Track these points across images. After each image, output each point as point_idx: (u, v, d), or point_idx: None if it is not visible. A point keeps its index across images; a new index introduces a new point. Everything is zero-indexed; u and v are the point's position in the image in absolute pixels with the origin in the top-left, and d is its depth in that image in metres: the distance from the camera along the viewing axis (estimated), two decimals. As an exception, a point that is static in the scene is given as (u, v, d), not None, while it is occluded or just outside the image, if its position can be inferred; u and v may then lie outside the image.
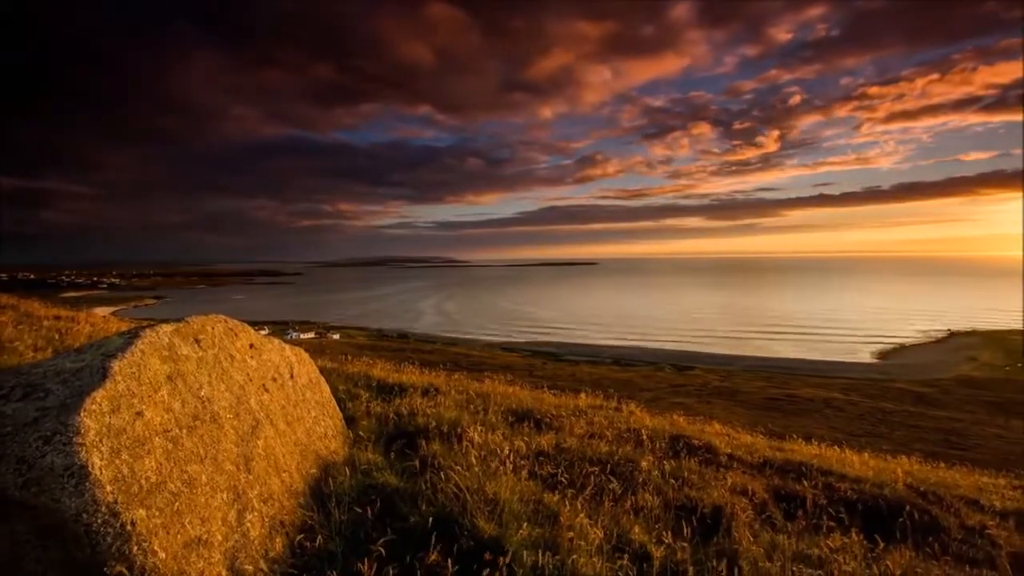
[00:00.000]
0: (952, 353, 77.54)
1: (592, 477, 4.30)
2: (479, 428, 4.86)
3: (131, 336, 2.90)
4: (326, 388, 5.02)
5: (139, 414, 2.47)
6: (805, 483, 5.36)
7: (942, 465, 9.04)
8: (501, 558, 2.72)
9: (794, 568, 3.25)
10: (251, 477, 2.97)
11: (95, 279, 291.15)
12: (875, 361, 78.51)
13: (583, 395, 9.01)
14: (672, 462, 5.29)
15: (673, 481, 4.76)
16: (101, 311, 17.26)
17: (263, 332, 4.84)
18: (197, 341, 3.27)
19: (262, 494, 2.97)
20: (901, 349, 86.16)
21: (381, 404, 6.04)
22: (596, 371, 63.66)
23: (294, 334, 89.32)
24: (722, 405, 45.22)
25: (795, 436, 9.22)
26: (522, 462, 4.30)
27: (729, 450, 6.27)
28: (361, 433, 4.83)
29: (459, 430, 4.83)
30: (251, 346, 3.95)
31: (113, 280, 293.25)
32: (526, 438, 5.13)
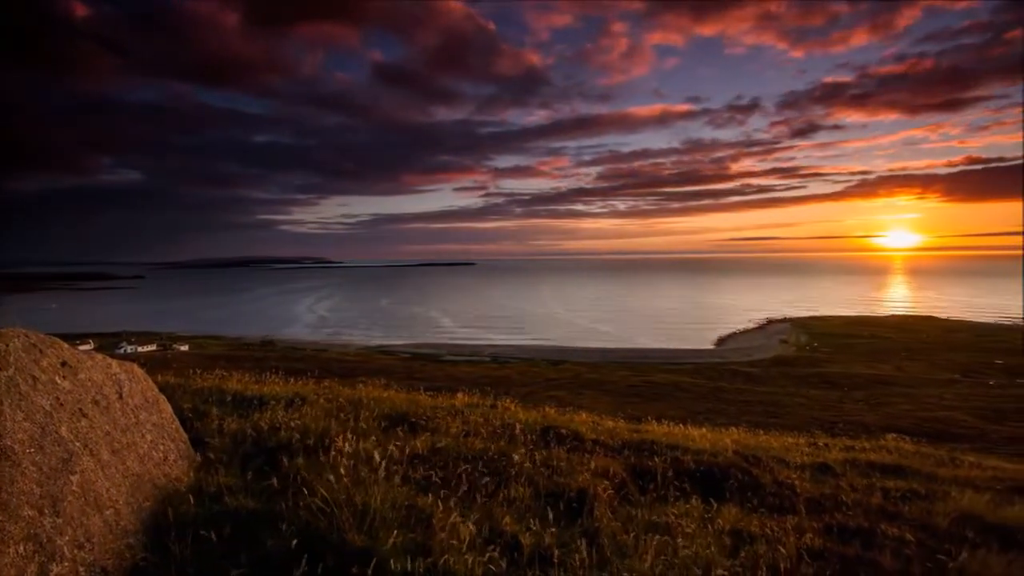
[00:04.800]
0: (770, 337, 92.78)
1: (466, 475, 4.36)
2: (349, 436, 4.64)
3: None
4: (166, 407, 4.42)
5: None
6: (656, 459, 6.01)
7: (762, 432, 10.79)
8: (370, 569, 2.64)
9: (645, 536, 3.64)
10: (60, 521, 2.50)
11: None
12: (714, 347, 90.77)
13: (460, 394, 9.07)
14: (543, 452, 5.57)
15: (544, 470, 5.01)
16: None
17: (85, 347, 4.13)
18: (-19, 362, 2.67)
19: (76, 539, 2.52)
20: (734, 335, 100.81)
21: (237, 420, 5.48)
22: (475, 370, 64.51)
23: (128, 347, 77.04)
24: (591, 395, 48.75)
25: (650, 418, 10.30)
26: (395, 467, 4.20)
27: (594, 436, 6.78)
28: (211, 455, 4.33)
29: (327, 441, 4.56)
30: (63, 364, 3.33)
31: None
32: (400, 442, 5.01)
